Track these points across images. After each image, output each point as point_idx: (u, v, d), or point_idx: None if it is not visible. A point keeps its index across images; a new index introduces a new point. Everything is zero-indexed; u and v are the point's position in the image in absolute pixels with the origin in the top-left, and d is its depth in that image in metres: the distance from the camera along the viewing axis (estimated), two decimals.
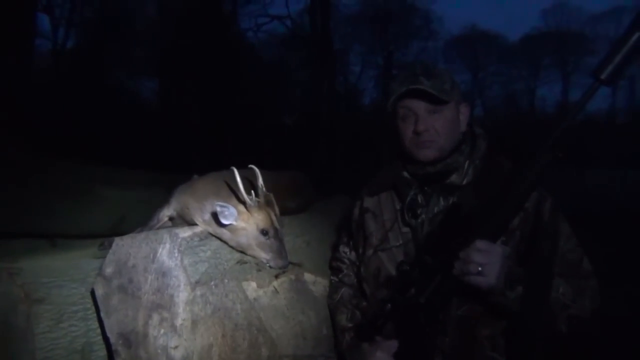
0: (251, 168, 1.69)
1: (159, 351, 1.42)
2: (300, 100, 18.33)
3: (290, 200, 1.94)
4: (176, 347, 1.41)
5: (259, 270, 1.63)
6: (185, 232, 1.56)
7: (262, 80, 16.21)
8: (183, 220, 1.76)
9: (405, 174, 1.65)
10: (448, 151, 1.57)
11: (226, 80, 13.09)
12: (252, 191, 1.61)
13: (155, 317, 1.45)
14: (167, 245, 1.49)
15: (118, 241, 1.55)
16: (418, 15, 20.37)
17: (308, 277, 1.78)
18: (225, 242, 1.63)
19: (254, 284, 1.60)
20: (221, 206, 1.53)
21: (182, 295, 1.44)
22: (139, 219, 2.04)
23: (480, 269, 1.27)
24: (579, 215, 1.44)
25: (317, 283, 1.79)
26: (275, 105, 17.04)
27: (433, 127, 1.55)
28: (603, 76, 1.22)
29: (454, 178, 1.56)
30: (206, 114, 13.35)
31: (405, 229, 1.60)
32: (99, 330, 1.58)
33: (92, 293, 1.57)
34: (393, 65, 19.35)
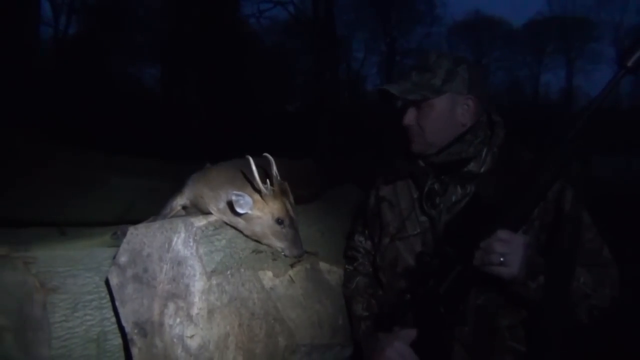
0: (265, 156, 1.67)
1: (175, 340, 1.41)
2: (302, 87, 18.26)
3: (303, 188, 1.92)
4: (192, 336, 1.40)
5: (274, 259, 1.62)
6: (200, 221, 1.55)
7: (264, 66, 16.13)
8: (197, 209, 1.74)
9: (421, 162, 1.64)
10: (440, 145, 1.56)
11: (228, 67, 13.03)
12: (267, 180, 1.59)
13: (171, 307, 1.44)
14: (182, 234, 1.48)
15: (132, 230, 1.54)
16: (421, 0, 20.22)
17: (323, 266, 1.77)
18: (240, 231, 1.62)
19: (270, 273, 1.59)
20: (237, 195, 1.52)
21: (197, 284, 1.43)
22: (147, 208, 2.03)
23: (502, 259, 1.26)
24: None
25: (332, 272, 1.78)
26: (277, 92, 16.98)
27: (417, 123, 1.57)
28: (629, 64, 1.20)
29: (471, 166, 1.54)
30: (208, 101, 13.30)
31: (423, 218, 1.58)
32: (113, 319, 1.57)
33: (107, 282, 1.55)
34: (396, 52, 19.25)
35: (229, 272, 1.50)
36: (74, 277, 1.57)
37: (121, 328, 1.51)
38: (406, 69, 1.63)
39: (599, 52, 19.98)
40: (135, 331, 1.47)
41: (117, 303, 1.50)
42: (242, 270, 1.53)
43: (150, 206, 1.98)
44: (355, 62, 19.95)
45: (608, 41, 19.96)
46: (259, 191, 1.58)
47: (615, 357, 2.68)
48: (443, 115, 1.56)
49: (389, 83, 1.61)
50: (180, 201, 1.81)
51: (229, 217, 1.61)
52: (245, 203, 1.53)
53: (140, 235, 1.52)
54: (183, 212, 1.82)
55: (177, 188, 1.85)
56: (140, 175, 3.49)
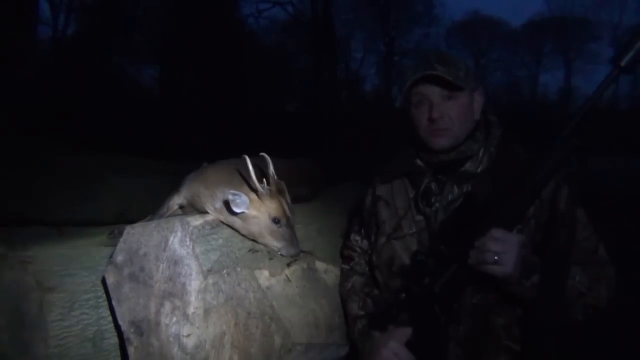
0: (262, 156, 1.67)
1: (171, 339, 1.41)
2: (301, 88, 18.25)
3: (300, 188, 1.92)
4: (188, 335, 1.41)
5: (270, 258, 1.62)
6: (196, 221, 1.55)
7: (262, 66, 16.12)
8: (193, 208, 1.74)
9: (419, 161, 1.64)
10: (462, 139, 1.56)
11: (226, 66, 13.02)
12: (264, 179, 1.60)
13: (167, 306, 1.44)
14: (179, 234, 1.48)
15: (129, 229, 1.54)
16: (420, 0, 20.22)
17: (319, 265, 1.77)
18: (236, 230, 1.62)
19: (266, 273, 1.59)
20: (233, 194, 1.52)
21: (194, 283, 1.44)
22: (145, 207, 2.03)
23: (496, 257, 1.26)
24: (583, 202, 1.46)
25: (328, 271, 1.79)
26: (276, 92, 16.97)
27: (447, 115, 1.54)
28: (623, 63, 1.20)
29: (468, 166, 1.55)
30: (206, 101, 13.30)
31: (419, 217, 1.59)
32: (110, 318, 1.58)
33: (103, 281, 1.56)
34: (395, 52, 19.27)
35: (225, 272, 1.50)
36: (70, 276, 1.58)
37: (117, 327, 1.52)
38: (422, 63, 1.57)
39: (598, 52, 19.93)
40: (132, 330, 1.47)
41: (113, 302, 1.51)
42: (239, 269, 1.53)
43: (148, 206, 1.98)
44: (354, 62, 19.96)
45: (607, 41, 19.93)
46: (255, 190, 1.59)
47: (613, 357, 2.68)
48: (467, 108, 1.57)
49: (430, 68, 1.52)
50: (177, 200, 1.81)
51: (226, 217, 1.61)
52: (242, 202, 1.54)
53: (137, 235, 1.52)
54: (180, 212, 1.82)
55: (174, 187, 1.85)
56: (138, 175, 3.48)
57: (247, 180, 1.62)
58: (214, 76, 13.00)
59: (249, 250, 1.60)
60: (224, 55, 12.98)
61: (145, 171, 3.59)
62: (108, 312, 1.58)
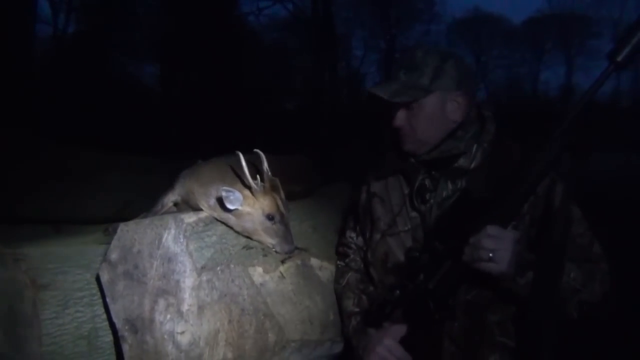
0: (256, 152, 1.67)
1: (166, 337, 1.41)
2: (302, 85, 18.25)
3: (295, 184, 1.92)
4: (183, 332, 1.41)
5: (265, 255, 1.62)
6: (190, 218, 1.55)
7: (263, 64, 16.14)
8: (187, 205, 1.74)
9: (412, 159, 1.64)
10: (433, 142, 1.55)
11: (227, 64, 13.02)
12: (258, 176, 1.59)
13: (161, 303, 1.44)
14: (173, 231, 1.48)
15: (123, 227, 1.53)
16: None
17: (314, 262, 1.77)
18: (230, 227, 1.62)
19: (260, 269, 1.59)
20: (227, 191, 1.52)
21: (188, 280, 1.43)
22: (142, 205, 2.03)
23: (491, 255, 1.25)
24: (582, 199, 1.44)
25: (323, 268, 1.78)
26: (276, 90, 16.98)
27: (408, 124, 1.55)
28: (619, 59, 1.19)
29: (461, 162, 1.54)
30: (207, 99, 13.30)
31: (414, 214, 1.58)
32: (104, 316, 1.58)
33: (98, 279, 1.55)
34: (396, 49, 19.25)
35: (219, 268, 1.50)
36: (64, 274, 1.57)
37: (112, 325, 1.51)
38: (395, 68, 1.61)
39: (599, 49, 19.87)
40: (126, 328, 1.47)
41: (108, 300, 1.50)
42: (232, 266, 1.53)
43: (147, 204, 1.97)
44: (354, 60, 20.00)
45: (607, 38, 19.91)
46: (249, 187, 1.58)
47: (608, 355, 2.68)
48: (434, 114, 1.54)
49: (378, 85, 1.60)
50: (171, 197, 1.81)
51: (220, 213, 1.61)
52: (235, 199, 1.54)
53: (130, 232, 1.52)
54: (174, 209, 1.82)
55: (168, 184, 1.85)
56: (137, 173, 3.48)
57: (240, 177, 1.61)
58: (214, 74, 13.00)
59: (243, 247, 1.60)
60: (224, 53, 12.98)
61: (144, 169, 3.58)
62: (102, 310, 1.58)
